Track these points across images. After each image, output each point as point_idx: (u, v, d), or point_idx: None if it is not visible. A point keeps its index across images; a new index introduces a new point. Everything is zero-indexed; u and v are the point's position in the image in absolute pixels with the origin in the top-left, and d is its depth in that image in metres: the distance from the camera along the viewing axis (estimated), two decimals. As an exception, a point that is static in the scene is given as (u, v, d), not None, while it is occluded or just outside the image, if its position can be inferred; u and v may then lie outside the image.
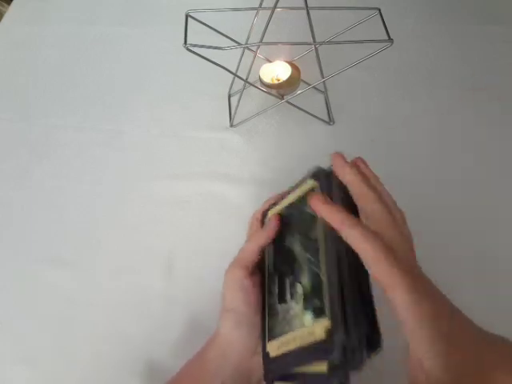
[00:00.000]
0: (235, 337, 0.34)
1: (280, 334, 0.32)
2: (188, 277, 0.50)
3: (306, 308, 0.31)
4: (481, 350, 0.28)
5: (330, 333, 0.27)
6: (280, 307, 0.34)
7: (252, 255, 0.36)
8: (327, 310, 0.28)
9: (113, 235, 0.54)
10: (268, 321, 0.35)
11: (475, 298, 0.47)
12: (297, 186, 0.38)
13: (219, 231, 0.53)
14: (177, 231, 0.53)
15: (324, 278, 0.30)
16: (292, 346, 0.30)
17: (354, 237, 0.29)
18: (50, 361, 0.46)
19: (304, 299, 0.32)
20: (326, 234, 0.31)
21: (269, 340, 0.33)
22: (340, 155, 0.35)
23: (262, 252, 0.37)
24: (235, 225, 0.51)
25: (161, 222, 0.54)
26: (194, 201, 0.56)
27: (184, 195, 0.56)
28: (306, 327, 0.30)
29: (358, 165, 0.35)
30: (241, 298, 0.35)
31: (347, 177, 0.33)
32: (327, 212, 0.31)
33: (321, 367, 0.28)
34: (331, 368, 0.27)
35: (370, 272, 0.28)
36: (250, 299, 0.35)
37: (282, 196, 0.39)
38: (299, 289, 0.32)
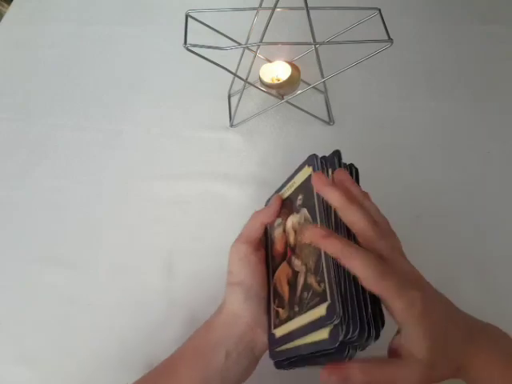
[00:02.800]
0: (242, 309, 0.35)
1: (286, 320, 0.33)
2: (188, 277, 0.50)
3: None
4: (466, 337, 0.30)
5: (329, 308, 0.28)
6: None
7: (256, 232, 0.38)
8: (328, 293, 0.29)
9: (113, 235, 0.54)
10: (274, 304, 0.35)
11: (475, 297, 0.47)
12: (294, 173, 0.38)
13: (219, 231, 0.53)
14: (177, 231, 0.53)
15: (324, 261, 0.30)
16: (295, 326, 0.31)
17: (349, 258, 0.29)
18: (50, 361, 0.46)
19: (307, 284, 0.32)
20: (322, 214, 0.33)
21: (275, 326, 0.34)
22: (320, 175, 0.34)
23: (265, 232, 0.39)
24: (235, 225, 0.51)
25: (161, 221, 0.54)
26: (194, 201, 0.56)
27: (184, 195, 0.56)
28: (310, 311, 0.30)
29: (340, 179, 0.34)
30: (247, 271, 0.36)
31: (333, 202, 0.32)
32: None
33: (322, 335, 0.29)
34: (332, 331, 0.28)
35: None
36: (256, 273, 0.36)
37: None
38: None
